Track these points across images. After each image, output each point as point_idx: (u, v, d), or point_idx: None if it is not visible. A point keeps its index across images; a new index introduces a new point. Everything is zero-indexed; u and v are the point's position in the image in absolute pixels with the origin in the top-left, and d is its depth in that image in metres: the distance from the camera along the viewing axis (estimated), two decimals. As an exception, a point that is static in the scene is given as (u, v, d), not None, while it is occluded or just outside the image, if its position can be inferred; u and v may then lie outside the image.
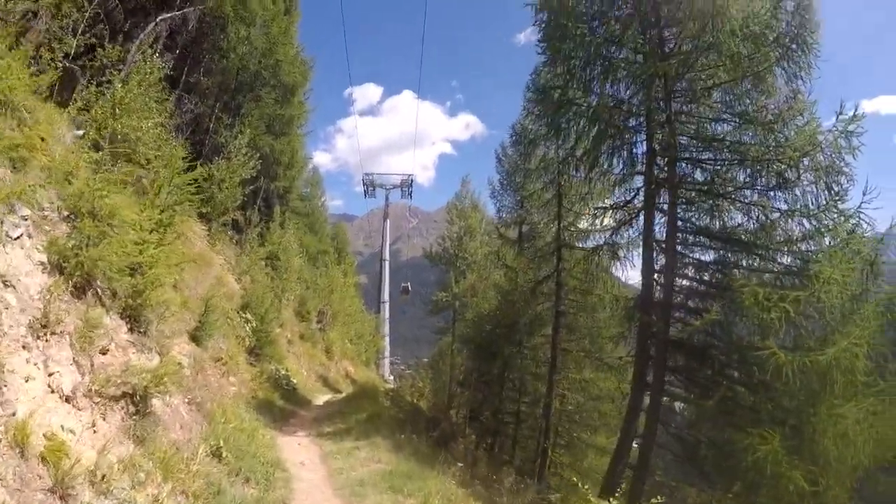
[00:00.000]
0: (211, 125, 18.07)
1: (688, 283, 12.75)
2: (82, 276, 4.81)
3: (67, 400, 3.90)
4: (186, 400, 6.53)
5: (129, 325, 5.61)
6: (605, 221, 15.29)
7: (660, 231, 12.83)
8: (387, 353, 42.24)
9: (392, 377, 42.83)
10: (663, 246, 12.73)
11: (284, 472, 7.06)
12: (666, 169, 12.71)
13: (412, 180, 45.10)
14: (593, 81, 12.95)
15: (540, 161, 19.30)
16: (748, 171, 11.45)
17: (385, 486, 6.67)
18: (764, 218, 11.33)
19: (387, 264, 44.36)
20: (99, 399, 4.31)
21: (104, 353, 4.82)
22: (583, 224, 17.73)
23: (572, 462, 18.39)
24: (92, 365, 4.47)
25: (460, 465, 9.98)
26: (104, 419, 4.28)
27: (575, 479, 17.64)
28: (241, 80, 20.15)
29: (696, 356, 11.99)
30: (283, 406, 12.62)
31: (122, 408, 4.62)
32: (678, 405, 13.38)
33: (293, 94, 22.35)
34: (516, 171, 22.18)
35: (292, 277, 20.91)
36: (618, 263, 15.03)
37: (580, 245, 18.03)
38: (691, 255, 12.68)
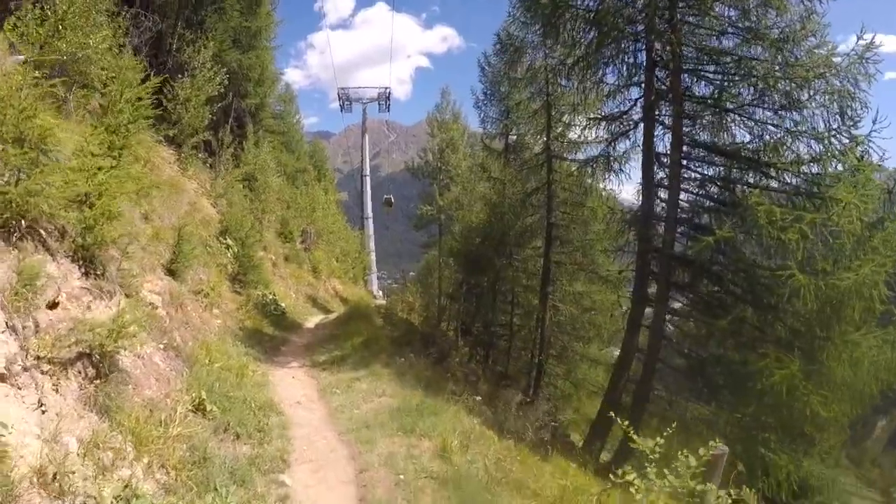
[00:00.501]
0: (173, 44, 16.35)
1: (691, 199, 12.19)
2: (13, 216, 3.86)
3: (1, 379, 3.08)
4: (162, 346, 5.70)
5: (83, 269, 4.69)
6: (598, 133, 14.54)
7: (659, 144, 12.19)
8: (373, 269, 41.89)
9: (380, 292, 42.75)
10: (664, 160, 12.16)
11: (280, 416, 6.33)
12: (669, 80, 11.89)
13: (389, 93, 43.21)
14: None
15: (527, 70, 18.06)
16: (754, 88, 10.71)
17: (395, 427, 6.00)
18: (769, 138, 10.69)
19: (368, 179, 43.16)
20: (48, 367, 3.49)
21: (53, 308, 3.94)
22: (573, 135, 16.95)
23: (565, 372, 18.36)
24: (36, 326, 3.62)
25: (465, 390, 9.50)
26: (57, 391, 3.47)
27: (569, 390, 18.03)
28: None
29: (701, 273, 11.54)
30: (273, 333, 11.90)
31: (79, 372, 3.79)
32: (674, 322, 13.03)
33: (259, 5, 20.52)
34: (501, 81, 21.00)
35: (272, 198, 19.76)
36: (612, 176, 14.35)
37: (571, 157, 17.32)
38: (696, 169, 12.00)
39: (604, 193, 15.53)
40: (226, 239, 13.61)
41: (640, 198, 12.95)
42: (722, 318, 10.26)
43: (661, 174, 12.38)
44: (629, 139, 13.73)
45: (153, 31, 15.87)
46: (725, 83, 11.30)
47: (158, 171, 12.71)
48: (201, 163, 16.12)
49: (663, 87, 12.15)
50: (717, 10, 11.04)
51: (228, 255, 13.25)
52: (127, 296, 5.67)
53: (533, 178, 18.28)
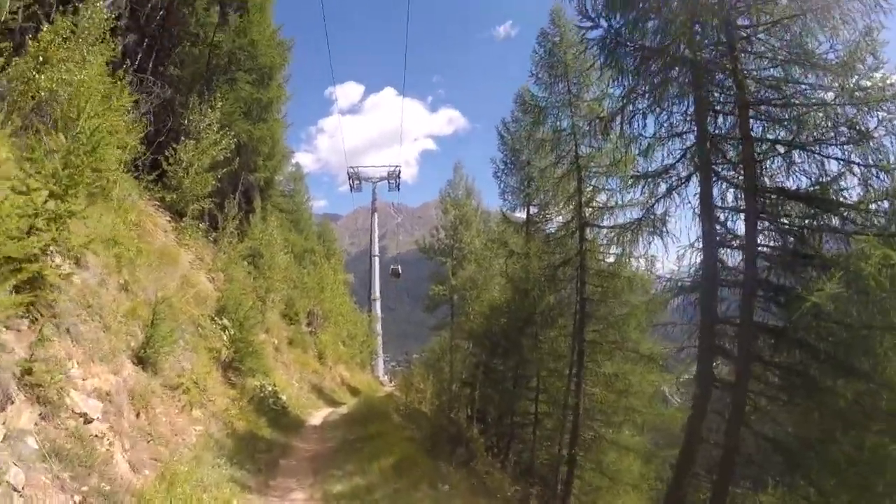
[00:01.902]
0: (184, 113, 14.91)
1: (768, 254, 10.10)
2: None
3: None
4: (83, 489, 3.47)
5: None
6: (636, 194, 12.67)
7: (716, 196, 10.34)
8: (380, 353, 39.13)
9: (387, 377, 39.89)
10: (720, 214, 10.18)
11: None
12: (728, 121, 10.11)
13: (399, 172, 41.97)
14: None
15: (553, 131, 16.27)
16: (821, 120, 8.88)
17: None
18: (836, 175, 8.79)
19: (377, 259, 41.30)
20: None
21: None
22: (603, 197, 15.17)
23: (596, 463, 15.65)
24: None
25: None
26: None
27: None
28: (214, 64, 17.36)
29: (793, 344, 9.25)
30: (270, 438, 9.36)
31: None
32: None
33: (271, 78, 19.32)
34: (521, 149, 19.41)
35: (277, 276, 17.66)
36: (655, 240, 12.37)
37: (605, 223, 15.28)
38: (772, 220, 9.99)
39: (642, 261, 13.53)
40: (222, 319, 11.41)
41: (697, 261, 10.87)
42: (816, 394, 8.07)
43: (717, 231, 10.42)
44: (678, 195, 11.83)
45: (161, 98, 14.50)
46: (795, 118, 9.46)
47: (150, 238, 10.75)
48: (202, 234, 14.15)
49: (717, 131, 10.33)
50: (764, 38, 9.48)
51: (224, 338, 11.00)
52: (45, 403, 3.45)
53: (559, 249, 16.23)
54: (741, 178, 10.24)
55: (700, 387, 10.33)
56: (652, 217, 11.86)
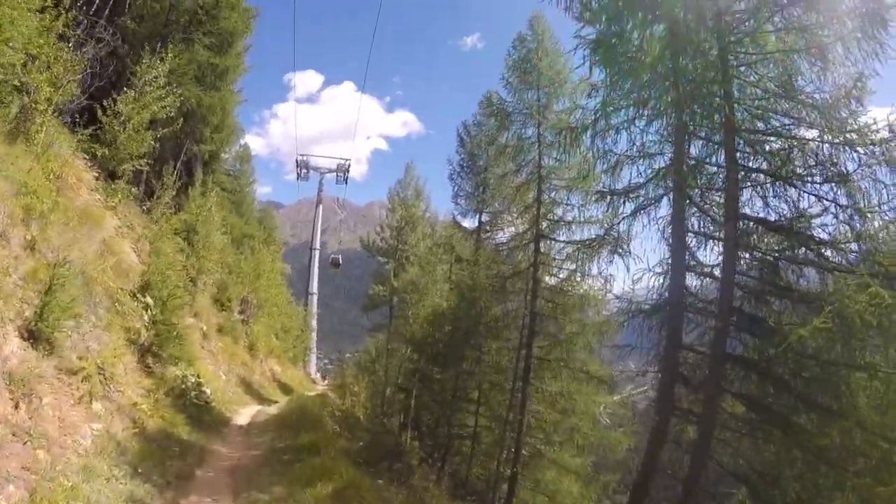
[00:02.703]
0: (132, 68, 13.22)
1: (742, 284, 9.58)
2: None
3: None
4: None
5: None
6: (599, 211, 12.06)
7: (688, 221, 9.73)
8: (314, 349, 37.20)
9: (319, 374, 38.07)
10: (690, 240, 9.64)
11: None
12: (707, 147, 9.56)
13: (349, 166, 40.28)
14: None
15: (517, 138, 15.51)
16: (803, 157, 8.48)
17: None
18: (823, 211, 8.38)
19: (317, 253, 39.43)
20: None
21: None
22: (560, 211, 14.68)
23: (534, 482, 14.87)
24: None
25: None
26: None
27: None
28: (174, 20, 15.76)
29: (766, 377, 8.70)
30: (187, 439, 7.84)
31: None
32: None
33: (231, 45, 17.72)
34: (481, 153, 18.92)
35: (212, 257, 15.94)
36: (617, 260, 11.77)
37: (562, 237, 14.53)
38: (749, 250, 9.49)
39: (597, 280, 13.01)
40: (145, 297, 9.85)
41: (656, 284, 10.26)
42: (788, 429, 7.66)
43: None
44: (645, 216, 11.24)
45: (112, 46, 12.80)
46: (778, 150, 9.03)
47: (71, 193, 9.15)
48: (133, 199, 12.41)
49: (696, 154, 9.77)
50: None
51: (145, 317, 9.46)
52: None
53: (510, 260, 15.70)
54: (714, 205, 9.84)
55: (660, 414, 9.65)
56: (615, 235, 11.30)
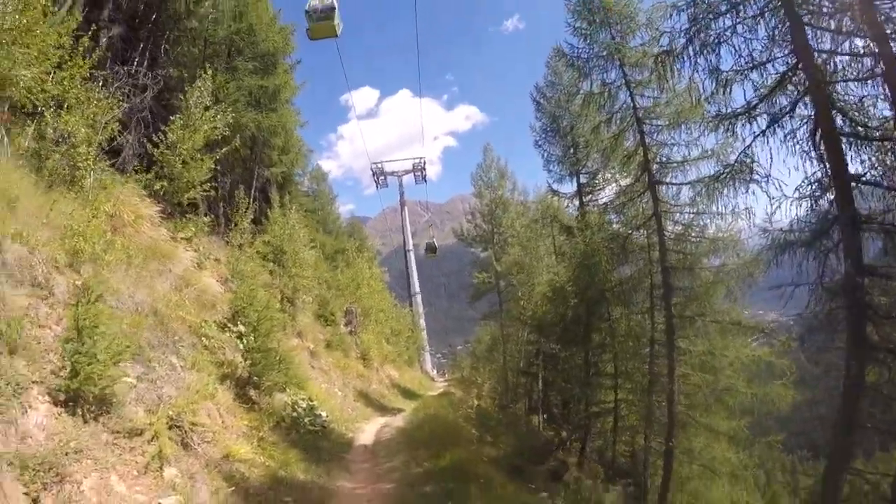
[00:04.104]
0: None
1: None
2: None
3: None
4: None
5: None
6: (718, 140, 10.54)
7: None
8: (426, 347, 36.21)
9: (435, 371, 37.24)
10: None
11: None
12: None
13: (424, 163, 39.03)
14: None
15: (601, 83, 13.28)
16: None
17: None
18: None
19: (412, 254, 38.52)
20: None
21: None
22: (666, 153, 12.69)
23: (686, 451, 12.67)
24: None
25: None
26: None
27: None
28: (211, 52, 15.22)
29: None
30: (304, 480, 6.42)
31: None
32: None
33: (275, 64, 16.86)
34: (562, 114, 17.36)
35: (306, 273, 14.94)
36: (751, 189, 9.44)
37: (676, 180, 12.53)
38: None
39: (726, 219, 11.37)
40: (236, 325, 8.74)
41: (800, 211, 8.09)
42: None
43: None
44: (780, 129, 8.72)
45: (155, 91, 12.08)
46: None
47: (129, 230, 8.16)
48: (206, 229, 11.47)
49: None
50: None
51: (241, 347, 8.32)
52: None
53: (623, 217, 13.84)
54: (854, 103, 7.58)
55: (855, 358, 7.50)
56: (745, 161, 9.11)
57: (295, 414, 8.62)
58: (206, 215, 11.92)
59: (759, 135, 8.84)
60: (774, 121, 8.57)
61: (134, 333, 5.42)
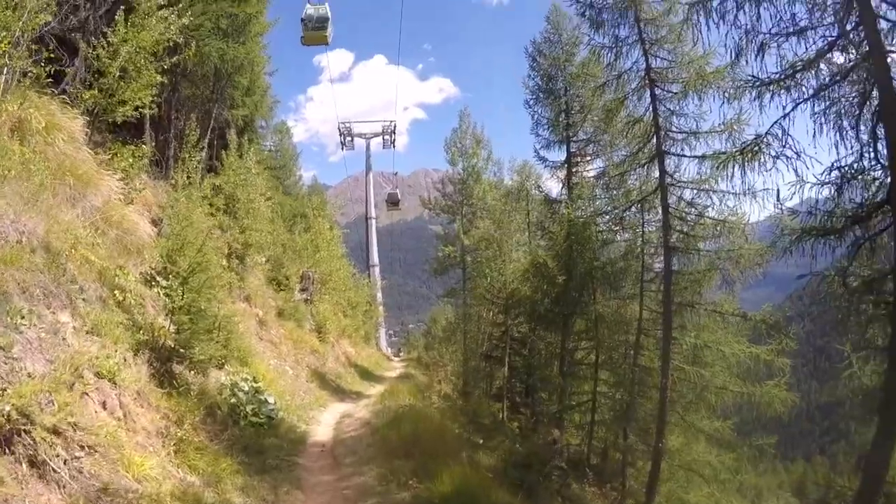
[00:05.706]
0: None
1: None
2: None
3: None
4: None
5: None
6: (743, 108, 8.95)
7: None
8: (383, 324, 34.15)
9: (390, 350, 35.48)
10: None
11: None
12: None
13: (394, 127, 36.72)
14: None
15: (613, 40, 11.68)
16: None
17: None
18: None
19: (373, 222, 36.30)
20: None
21: None
22: (676, 121, 11.22)
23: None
24: None
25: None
26: None
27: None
28: None
29: None
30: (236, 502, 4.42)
31: None
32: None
33: (248, -8, 14.28)
34: (558, 74, 15.88)
35: (260, 227, 12.67)
36: (783, 165, 8.12)
37: (686, 151, 11.06)
38: None
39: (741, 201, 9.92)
40: (168, 280, 6.61)
41: (844, 189, 6.80)
42: None
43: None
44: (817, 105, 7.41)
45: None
46: None
47: (44, 143, 5.92)
48: (145, 160, 8.97)
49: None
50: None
51: (165, 305, 6.21)
52: None
53: (609, 195, 12.96)
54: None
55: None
56: (776, 135, 7.66)
57: (234, 400, 6.65)
58: (153, 155, 9.65)
59: (800, 102, 7.46)
60: (822, 88, 7.16)
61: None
